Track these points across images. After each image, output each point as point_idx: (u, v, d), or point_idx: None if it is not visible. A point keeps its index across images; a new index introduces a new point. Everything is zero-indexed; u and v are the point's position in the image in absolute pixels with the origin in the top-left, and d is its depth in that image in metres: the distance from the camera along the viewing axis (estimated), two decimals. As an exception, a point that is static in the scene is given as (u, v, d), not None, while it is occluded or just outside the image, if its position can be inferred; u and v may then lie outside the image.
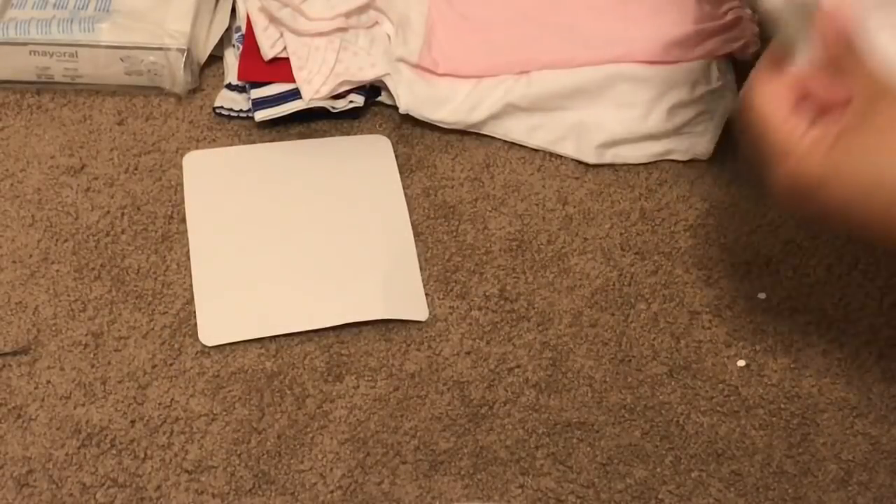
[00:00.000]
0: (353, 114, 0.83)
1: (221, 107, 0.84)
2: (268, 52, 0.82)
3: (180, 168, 0.80)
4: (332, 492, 0.66)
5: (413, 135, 0.83)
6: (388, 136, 0.82)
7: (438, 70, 0.83)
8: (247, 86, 0.83)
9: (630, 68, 0.81)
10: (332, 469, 0.67)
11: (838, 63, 0.54)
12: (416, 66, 0.82)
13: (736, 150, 0.83)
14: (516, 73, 0.82)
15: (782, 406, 0.68)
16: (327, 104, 0.81)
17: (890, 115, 0.51)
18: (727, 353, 0.71)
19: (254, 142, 0.82)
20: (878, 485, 0.64)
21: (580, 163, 0.81)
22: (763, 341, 0.71)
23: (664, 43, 0.81)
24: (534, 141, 0.82)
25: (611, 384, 0.71)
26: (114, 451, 0.64)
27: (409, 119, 0.83)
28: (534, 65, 0.82)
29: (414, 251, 0.75)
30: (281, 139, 0.82)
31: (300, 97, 0.81)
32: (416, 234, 0.77)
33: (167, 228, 0.76)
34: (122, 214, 0.77)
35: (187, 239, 0.75)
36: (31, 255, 0.74)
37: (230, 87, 0.85)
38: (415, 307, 0.73)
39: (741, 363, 0.70)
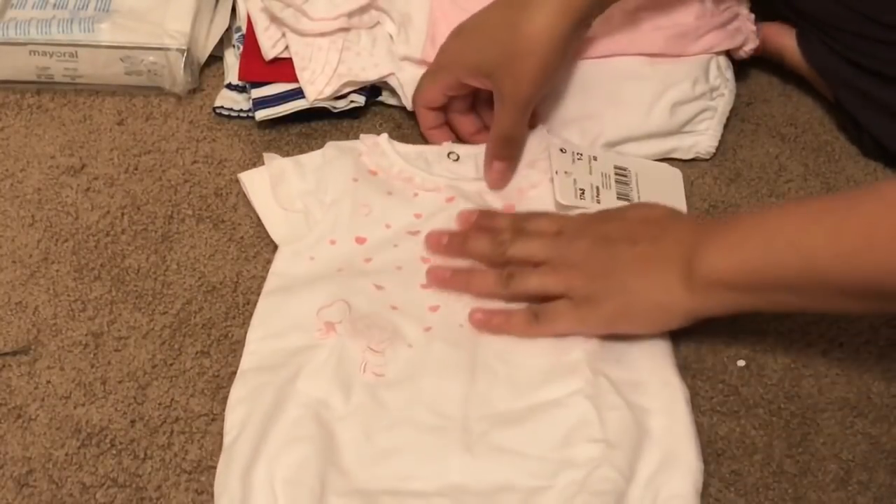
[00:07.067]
0: (353, 113, 0.83)
1: (221, 107, 0.84)
2: (269, 52, 0.82)
3: (180, 168, 0.80)
4: (331, 492, 0.66)
5: (413, 135, 0.83)
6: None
7: None
8: (247, 85, 0.83)
9: (631, 64, 0.81)
10: (331, 469, 0.66)
11: None
12: (421, 62, 0.82)
13: (736, 149, 0.83)
14: None
15: (782, 406, 0.68)
16: (328, 104, 0.81)
17: None
18: (727, 353, 0.70)
19: (254, 142, 0.82)
20: (878, 485, 0.64)
21: (580, 162, 0.81)
22: (763, 341, 0.71)
23: (664, 36, 0.81)
24: None
25: (611, 384, 0.70)
26: (114, 451, 0.64)
27: (409, 119, 0.83)
28: None
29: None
30: (281, 139, 0.82)
31: (301, 97, 0.81)
32: (416, 234, 0.77)
33: (167, 228, 0.76)
34: (122, 214, 0.77)
35: (188, 239, 0.75)
36: (31, 255, 0.74)
37: (230, 86, 0.85)
38: None
39: (741, 363, 0.70)
